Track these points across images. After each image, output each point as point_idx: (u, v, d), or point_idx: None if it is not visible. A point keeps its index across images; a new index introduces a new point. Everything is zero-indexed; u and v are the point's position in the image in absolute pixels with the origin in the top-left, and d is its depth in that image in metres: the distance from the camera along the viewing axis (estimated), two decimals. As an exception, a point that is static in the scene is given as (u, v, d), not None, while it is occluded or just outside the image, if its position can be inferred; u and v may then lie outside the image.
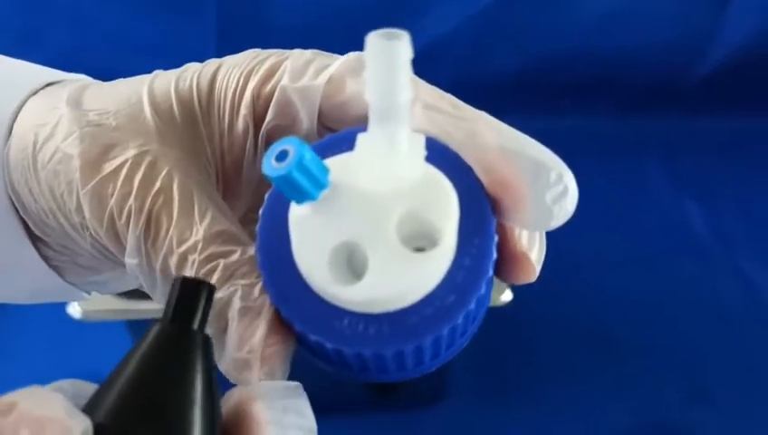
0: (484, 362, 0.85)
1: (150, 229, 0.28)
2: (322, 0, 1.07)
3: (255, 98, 0.30)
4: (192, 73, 0.31)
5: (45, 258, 0.33)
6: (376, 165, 0.24)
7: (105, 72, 0.36)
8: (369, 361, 0.25)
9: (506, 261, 0.26)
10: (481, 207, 0.25)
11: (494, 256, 0.25)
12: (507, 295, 0.76)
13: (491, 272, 0.25)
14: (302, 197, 0.23)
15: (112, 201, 0.29)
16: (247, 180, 0.31)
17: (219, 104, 0.30)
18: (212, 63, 0.31)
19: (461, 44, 1.10)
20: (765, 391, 0.84)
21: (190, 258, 0.28)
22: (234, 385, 0.26)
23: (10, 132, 0.31)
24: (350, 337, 0.24)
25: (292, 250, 0.25)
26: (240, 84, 0.30)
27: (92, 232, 0.30)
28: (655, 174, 1.10)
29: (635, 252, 0.98)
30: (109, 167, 0.29)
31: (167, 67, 0.33)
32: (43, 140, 0.30)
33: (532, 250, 0.27)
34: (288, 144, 0.22)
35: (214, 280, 0.27)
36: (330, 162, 0.24)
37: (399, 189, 0.24)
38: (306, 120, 0.29)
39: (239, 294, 0.27)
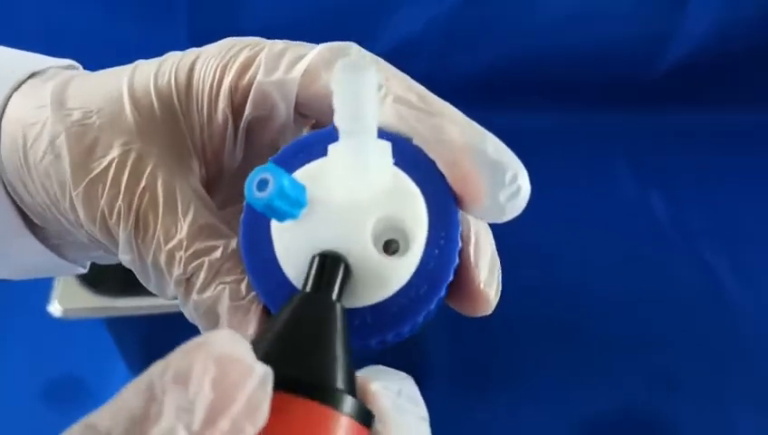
0: (461, 351, 0.86)
1: (139, 228, 0.29)
2: (295, 1, 1.07)
3: (233, 91, 0.30)
4: (170, 67, 0.31)
5: (43, 240, 0.34)
6: (347, 178, 0.25)
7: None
8: (355, 349, 0.26)
9: (467, 298, 0.28)
10: (445, 201, 0.26)
11: (459, 244, 0.26)
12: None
13: (457, 260, 0.26)
14: (284, 217, 0.24)
15: (102, 202, 0.29)
16: (229, 168, 0.32)
17: (198, 98, 0.31)
18: (190, 55, 0.31)
19: (431, 43, 1.11)
20: (726, 376, 0.85)
21: (177, 255, 0.28)
22: None
23: (2, 115, 0.32)
24: None
25: (276, 256, 0.26)
26: (217, 78, 0.30)
27: (87, 229, 0.31)
28: (619, 168, 1.11)
29: (600, 244, 0.99)
30: (97, 167, 0.30)
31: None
32: (32, 140, 0.31)
33: (491, 288, 0.28)
34: (267, 173, 0.23)
35: (200, 279, 0.28)
36: (305, 172, 0.26)
37: (371, 198, 0.25)
38: (283, 111, 0.30)
39: (227, 293, 0.28)
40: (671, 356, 0.87)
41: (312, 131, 0.28)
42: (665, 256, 0.99)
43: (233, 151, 0.31)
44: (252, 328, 0.27)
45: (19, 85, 0.32)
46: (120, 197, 0.29)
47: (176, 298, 0.30)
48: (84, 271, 0.37)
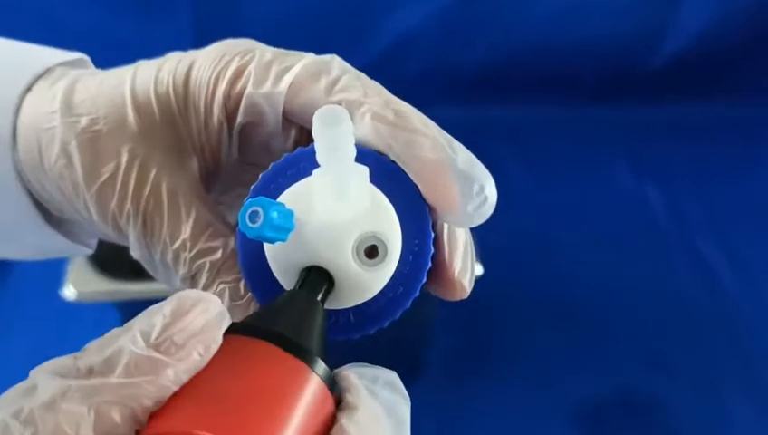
0: (459, 338, 0.86)
1: (147, 229, 0.32)
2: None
3: (226, 99, 0.32)
4: (168, 75, 0.33)
5: (57, 225, 0.36)
6: (330, 202, 0.28)
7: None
8: (341, 341, 0.30)
9: (445, 287, 0.30)
10: (418, 212, 0.29)
11: (432, 250, 0.29)
12: (477, 269, 0.76)
13: (429, 264, 0.29)
14: (274, 241, 0.27)
15: (113, 204, 0.32)
16: (227, 162, 0.34)
17: (194, 105, 0.33)
18: (186, 60, 0.33)
19: (428, 39, 1.11)
20: (715, 360, 0.86)
21: (182, 255, 0.31)
22: None
23: (16, 117, 0.34)
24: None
25: (271, 269, 0.29)
26: (211, 87, 0.32)
27: (100, 227, 0.33)
28: (615, 160, 1.11)
29: (597, 235, 1.00)
30: (106, 172, 0.32)
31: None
32: (46, 145, 0.33)
33: (465, 278, 0.30)
34: (257, 206, 0.26)
35: (203, 279, 0.31)
36: (293, 192, 0.29)
37: (351, 217, 0.28)
38: (272, 119, 0.32)
39: (227, 293, 0.31)
40: (665, 341, 0.88)
41: (300, 148, 0.30)
42: (660, 247, 0.99)
43: (228, 151, 0.34)
44: None
45: (31, 86, 0.34)
46: (129, 200, 0.32)
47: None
48: (92, 251, 0.39)
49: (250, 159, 0.34)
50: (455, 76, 1.11)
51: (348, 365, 0.26)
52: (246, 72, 0.32)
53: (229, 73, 0.32)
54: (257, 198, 0.26)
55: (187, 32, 1.03)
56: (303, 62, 0.32)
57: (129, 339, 0.23)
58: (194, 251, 0.31)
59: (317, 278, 0.28)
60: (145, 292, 0.75)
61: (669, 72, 1.15)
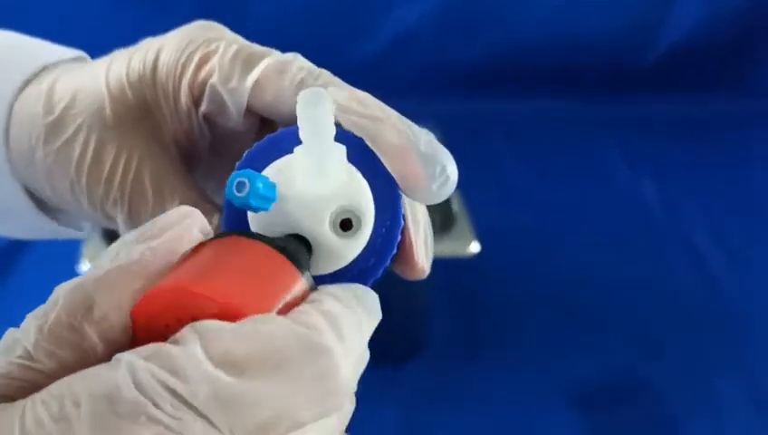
0: (459, 324, 0.87)
1: (133, 214, 0.34)
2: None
3: (191, 87, 0.34)
4: (138, 63, 0.35)
5: (49, 211, 0.38)
6: (310, 176, 0.30)
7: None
8: None
9: (407, 267, 0.33)
10: (389, 190, 0.31)
11: (402, 223, 0.31)
12: (475, 247, 0.77)
13: (399, 236, 0.31)
14: (258, 210, 0.29)
15: (101, 192, 0.34)
16: (203, 145, 0.36)
17: (163, 91, 0.34)
18: (153, 48, 0.35)
19: (426, 35, 1.11)
20: (708, 348, 0.86)
21: None
22: None
23: (10, 114, 0.36)
24: None
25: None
26: (177, 75, 0.34)
27: (90, 214, 0.35)
28: (611, 156, 1.11)
29: (593, 230, 0.99)
30: (93, 165, 0.34)
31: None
32: (35, 142, 0.35)
33: (425, 261, 0.33)
34: (244, 177, 0.27)
35: None
36: (276, 167, 0.30)
37: (329, 191, 0.30)
38: (235, 112, 0.34)
39: None
40: (659, 328, 0.87)
41: (282, 129, 0.31)
42: (656, 241, 0.99)
43: (200, 134, 0.35)
44: None
45: (25, 84, 0.36)
46: (115, 188, 0.34)
47: None
48: (84, 235, 0.42)
49: (218, 144, 0.36)
50: (453, 73, 1.11)
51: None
52: (210, 64, 0.33)
53: (193, 64, 0.34)
54: (244, 169, 0.28)
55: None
56: (267, 60, 0.33)
57: (119, 243, 0.26)
58: None
59: (297, 245, 0.30)
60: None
61: (665, 67, 1.15)
